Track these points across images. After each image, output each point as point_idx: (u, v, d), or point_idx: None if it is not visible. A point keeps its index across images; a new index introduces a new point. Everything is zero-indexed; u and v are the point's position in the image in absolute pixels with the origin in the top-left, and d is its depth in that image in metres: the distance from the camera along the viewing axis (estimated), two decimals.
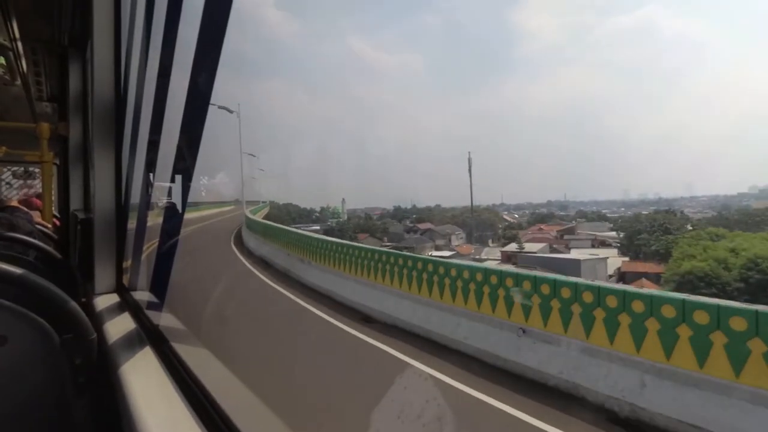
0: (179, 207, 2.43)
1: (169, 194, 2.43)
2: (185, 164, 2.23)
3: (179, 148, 2.22)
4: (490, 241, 47.57)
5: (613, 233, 46.35)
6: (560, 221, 53.19)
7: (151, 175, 2.67)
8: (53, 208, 6.36)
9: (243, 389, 1.68)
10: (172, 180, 2.22)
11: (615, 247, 41.41)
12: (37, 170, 9.46)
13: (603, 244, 42.72)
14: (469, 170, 45.63)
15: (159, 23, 2.48)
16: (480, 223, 49.17)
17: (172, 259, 2.60)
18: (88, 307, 2.49)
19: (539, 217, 54.69)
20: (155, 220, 2.77)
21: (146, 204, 2.94)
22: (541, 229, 48.30)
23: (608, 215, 54.47)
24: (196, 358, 1.74)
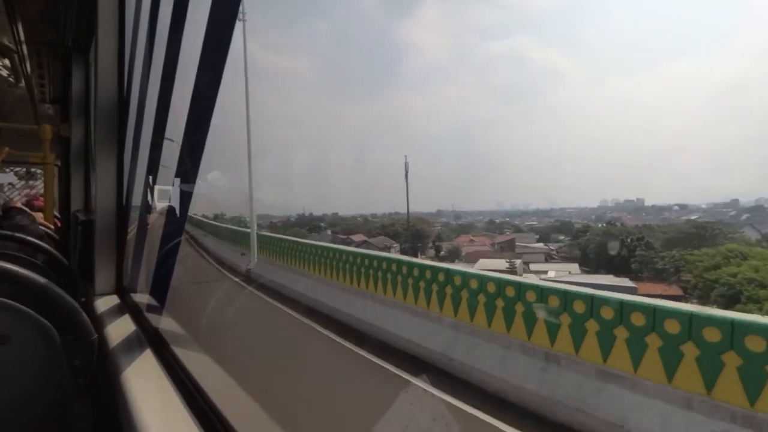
0: (180, 210, 2.43)
1: (171, 197, 2.44)
2: (188, 168, 2.23)
3: (182, 151, 2.22)
4: (419, 253, 43.34)
5: (541, 244, 43.64)
6: (485, 232, 50.26)
7: (153, 177, 2.67)
8: (54, 209, 6.37)
9: (243, 395, 1.67)
10: (174, 183, 2.22)
11: (567, 260, 37.65)
12: (39, 171, 9.49)
13: (551, 257, 39.43)
14: (406, 176, 39.92)
15: (164, 25, 2.49)
16: (414, 234, 45.25)
17: (173, 262, 2.60)
18: (88, 309, 2.49)
19: (460, 227, 51.77)
20: (156, 222, 2.77)
21: (147, 206, 2.95)
22: (472, 240, 44.22)
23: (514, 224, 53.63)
24: (195, 362, 1.73)
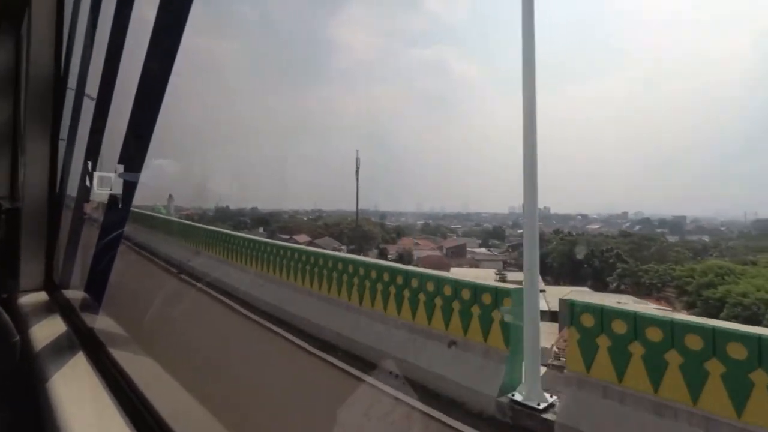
0: (123, 199, 2.24)
1: (113, 185, 2.24)
2: (133, 154, 2.06)
3: (127, 137, 2.04)
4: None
5: (485, 249, 40.06)
6: (426, 235, 45.25)
7: (93, 163, 2.45)
8: None
9: (190, 400, 1.54)
10: (117, 170, 2.04)
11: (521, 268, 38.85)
12: None
13: (508, 265, 35.29)
14: (357, 172, 39.20)
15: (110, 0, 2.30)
16: (362, 236, 44.99)
17: (113, 256, 2.40)
18: (11, 307, 2.24)
19: (397, 229, 52.24)
20: (95, 213, 2.55)
21: (85, 196, 2.71)
22: (417, 243, 40.04)
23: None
24: (138, 366, 1.58)
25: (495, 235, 44.48)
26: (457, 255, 36.89)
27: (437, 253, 36.51)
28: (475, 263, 34.68)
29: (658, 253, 31.02)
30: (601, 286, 28.43)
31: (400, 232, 43.91)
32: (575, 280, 30.82)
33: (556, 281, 30.26)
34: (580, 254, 32.14)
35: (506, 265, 34.83)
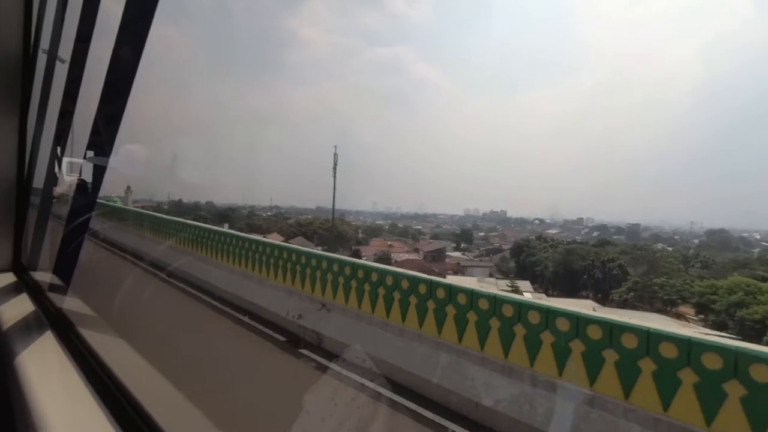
0: (92, 184, 2.25)
1: (82, 170, 2.25)
2: (103, 139, 2.07)
3: (97, 121, 2.05)
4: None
5: (459, 253, 39.03)
6: (395, 237, 44.21)
7: (62, 148, 2.45)
8: None
9: (162, 380, 1.60)
10: (87, 155, 2.06)
11: (506, 274, 33.39)
12: None
13: (502, 272, 34.78)
14: (334, 169, 34.99)
15: None
16: (337, 237, 38.50)
17: (82, 239, 2.42)
18: None
19: (366, 229, 46.19)
20: (65, 195, 2.55)
21: (54, 177, 2.70)
22: (391, 246, 38.48)
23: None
24: (108, 346, 1.64)
25: (463, 237, 44.74)
26: (437, 259, 35.74)
27: (414, 256, 35.22)
28: (460, 269, 32.61)
29: (652, 264, 29.71)
30: (601, 298, 27.17)
31: (367, 232, 42.90)
32: (572, 290, 29.82)
33: (549, 290, 29.34)
34: (578, 263, 30.61)
35: (498, 272, 33.82)
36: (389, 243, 39.23)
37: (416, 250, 38.37)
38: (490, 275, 32.53)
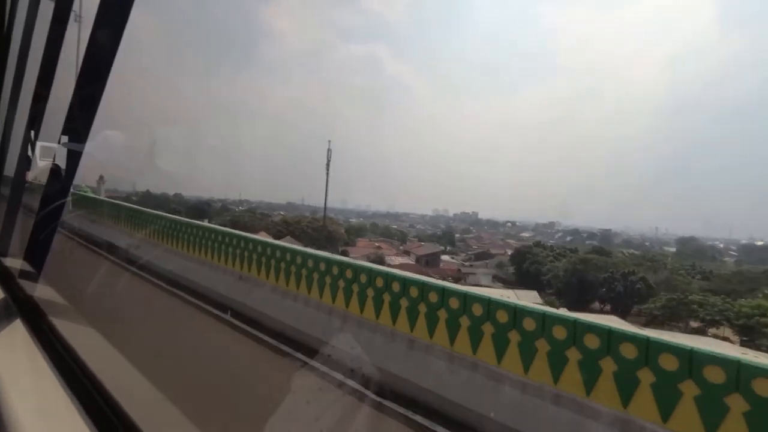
0: (66, 169, 2.21)
1: (56, 155, 2.20)
2: (78, 124, 2.03)
3: (72, 105, 2.01)
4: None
5: (449, 257, 36.80)
6: (380, 237, 41.72)
7: (35, 132, 2.38)
8: None
9: (132, 370, 1.59)
10: (61, 140, 2.01)
11: (508, 283, 30.84)
12: None
13: (501, 280, 32.69)
14: (327, 165, 32.51)
15: None
16: (327, 237, 35.69)
17: (55, 226, 2.36)
18: None
19: (351, 230, 43.54)
20: (37, 181, 2.49)
21: (26, 162, 2.63)
22: (379, 247, 36.04)
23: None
24: (79, 335, 1.61)
25: (445, 239, 43.30)
26: (431, 264, 33.94)
27: (406, 259, 33.46)
28: (461, 276, 30.41)
29: (667, 278, 27.56)
30: (621, 313, 24.03)
31: (350, 232, 40.44)
32: (584, 303, 26.89)
33: (556, 302, 25.80)
34: (593, 274, 27.98)
35: (496, 280, 32.00)
36: (377, 244, 37.18)
37: (407, 253, 36.16)
38: (493, 281, 31.25)
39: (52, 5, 2.25)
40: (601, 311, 26.34)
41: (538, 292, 26.89)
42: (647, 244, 42.86)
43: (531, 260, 33.14)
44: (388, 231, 45.12)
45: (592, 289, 28.22)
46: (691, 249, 38.80)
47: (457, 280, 25.39)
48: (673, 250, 40.07)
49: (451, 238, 43.88)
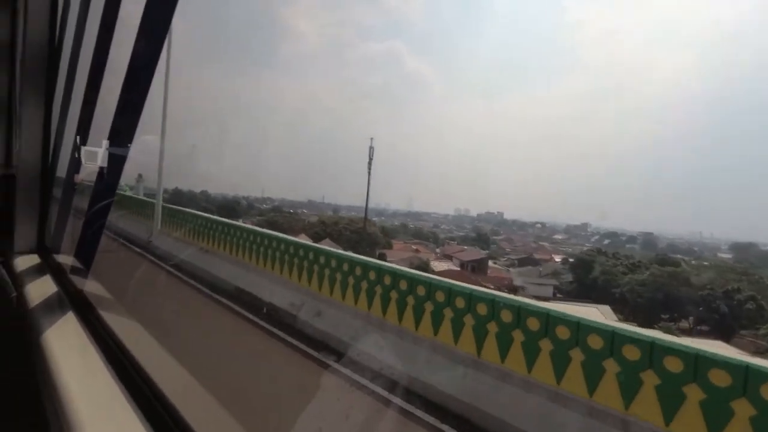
0: (111, 171, 2.33)
1: (100, 159, 2.33)
2: (123, 129, 2.14)
3: (118, 110, 2.12)
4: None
5: (491, 262, 32.90)
6: (416, 240, 38.90)
7: (83, 137, 2.53)
8: None
9: (176, 365, 1.66)
10: (109, 143, 2.13)
11: (574, 296, 26.38)
12: None
13: (561, 292, 28.25)
14: (369, 164, 32.03)
15: None
16: (363, 240, 33.38)
17: (102, 224, 2.50)
18: (7, 267, 2.35)
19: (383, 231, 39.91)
20: (86, 182, 2.64)
21: (76, 164, 2.79)
22: (417, 251, 32.65)
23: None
24: (125, 328, 1.70)
25: (480, 241, 39.62)
26: (478, 270, 30.23)
27: (450, 265, 29.45)
28: (518, 286, 25.75)
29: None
30: (722, 337, 19.54)
31: (382, 233, 37.29)
32: (671, 323, 22.58)
33: (630, 319, 21.25)
34: (684, 291, 23.61)
35: (557, 292, 27.81)
36: (414, 247, 34.15)
37: (447, 257, 32.57)
38: (554, 296, 25.66)
39: (99, 17, 2.38)
40: (690, 332, 22.24)
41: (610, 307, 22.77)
42: (696, 249, 38.08)
43: (599, 270, 29.50)
44: (421, 232, 42.55)
45: (678, 307, 24.58)
46: (754, 256, 33.30)
47: (513, 291, 21.76)
48: (729, 256, 34.82)
49: (486, 240, 40.52)
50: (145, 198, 14.28)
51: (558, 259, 35.71)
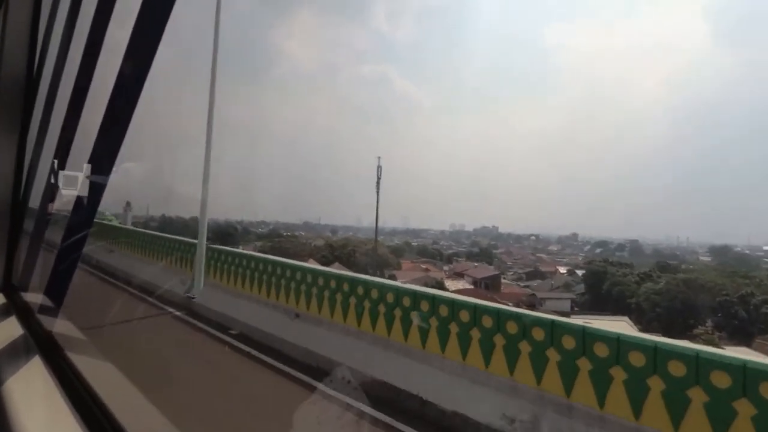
0: (89, 201, 2.19)
1: (79, 185, 2.19)
2: (103, 155, 2.02)
3: (99, 136, 2.00)
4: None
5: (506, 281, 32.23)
6: (423, 258, 38.28)
7: (61, 161, 2.38)
8: None
9: (154, 411, 1.49)
10: (90, 166, 2.00)
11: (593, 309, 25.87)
12: None
13: (578, 305, 28.51)
14: (377, 182, 29.86)
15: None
16: (375, 261, 31.77)
17: (75, 260, 2.32)
18: None
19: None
20: (61, 212, 2.48)
21: (49, 197, 2.63)
22: (428, 270, 32.03)
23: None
24: (97, 372, 1.53)
25: (484, 256, 39.30)
26: (492, 288, 29.70)
27: (463, 283, 28.87)
28: (534, 301, 25.84)
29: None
30: (743, 343, 19.68)
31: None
32: (683, 331, 22.02)
33: (649, 329, 21.15)
34: (701, 298, 23.57)
35: (575, 306, 27.62)
36: (423, 266, 32.72)
37: (458, 275, 31.14)
38: (572, 309, 26.13)
39: (83, 41, 2.29)
40: (716, 338, 22.02)
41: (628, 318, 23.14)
42: (678, 254, 39.38)
43: (611, 281, 28.50)
44: (426, 250, 40.89)
45: (696, 315, 23.82)
46: (732, 258, 34.43)
47: (530, 306, 20.52)
48: (709, 259, 36.02)
49: (489, 254, 39.71)
50: (162, 235, 11.65)
51: (563, 270, 36.64)
